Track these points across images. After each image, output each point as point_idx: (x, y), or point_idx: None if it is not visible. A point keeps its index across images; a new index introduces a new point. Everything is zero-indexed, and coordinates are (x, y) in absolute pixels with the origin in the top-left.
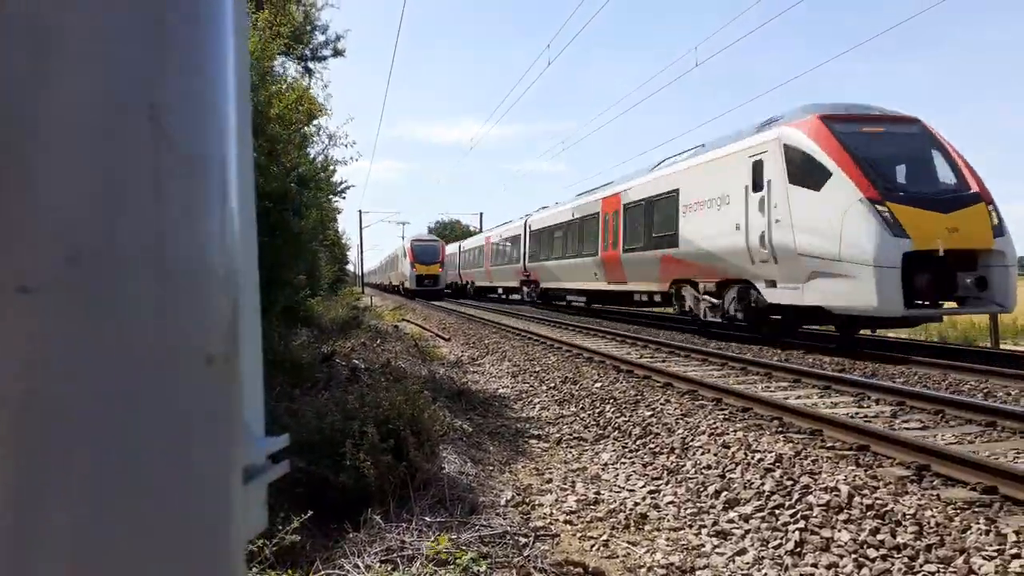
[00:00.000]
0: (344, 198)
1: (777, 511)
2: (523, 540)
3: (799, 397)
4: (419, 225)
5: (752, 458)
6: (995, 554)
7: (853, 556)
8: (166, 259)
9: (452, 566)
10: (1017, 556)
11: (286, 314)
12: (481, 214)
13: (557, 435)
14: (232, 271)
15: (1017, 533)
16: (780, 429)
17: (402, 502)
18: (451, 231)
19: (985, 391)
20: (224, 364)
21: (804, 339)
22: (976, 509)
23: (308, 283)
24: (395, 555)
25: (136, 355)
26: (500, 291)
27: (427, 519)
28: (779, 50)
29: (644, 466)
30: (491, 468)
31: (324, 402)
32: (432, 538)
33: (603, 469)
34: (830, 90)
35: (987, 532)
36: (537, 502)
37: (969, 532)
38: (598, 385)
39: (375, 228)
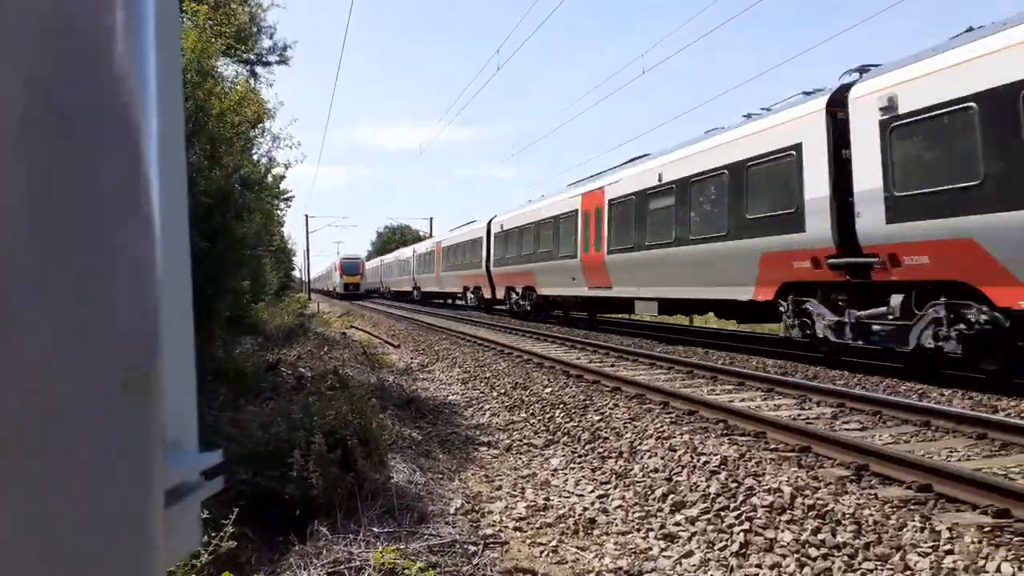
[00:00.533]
0: (289, 205)
1: (722, 513)
2: (472, 548)
3: (743, 400)
4: (368, 229)
5: (698, 461)
6: (929, 551)
7: (796, 556)
8: (71, 271)
9: None
10: (950, 552)
11: (230, 322)
12: (431, 219)
13: (507, 441)
14: (151, 282)
15: (950, 530)
16: (725, 432)
17: (350, 513)
18: (401, 236)
19: (920, 392)
20: (142, 385)
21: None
22: (912, 507)
23: (252, 289)
24: (342, 567)
25: (35, 382)
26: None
27: (375, 529)
28: (726, 57)
29: (593, 471)
30: (440, 476)
31: (269, 412)
32: (380, 549)
33: (553, 475)
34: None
35: (922, 529)
36: (487, 509)
37: (905, 530)
38: (548, 390)
39: (322, 233)
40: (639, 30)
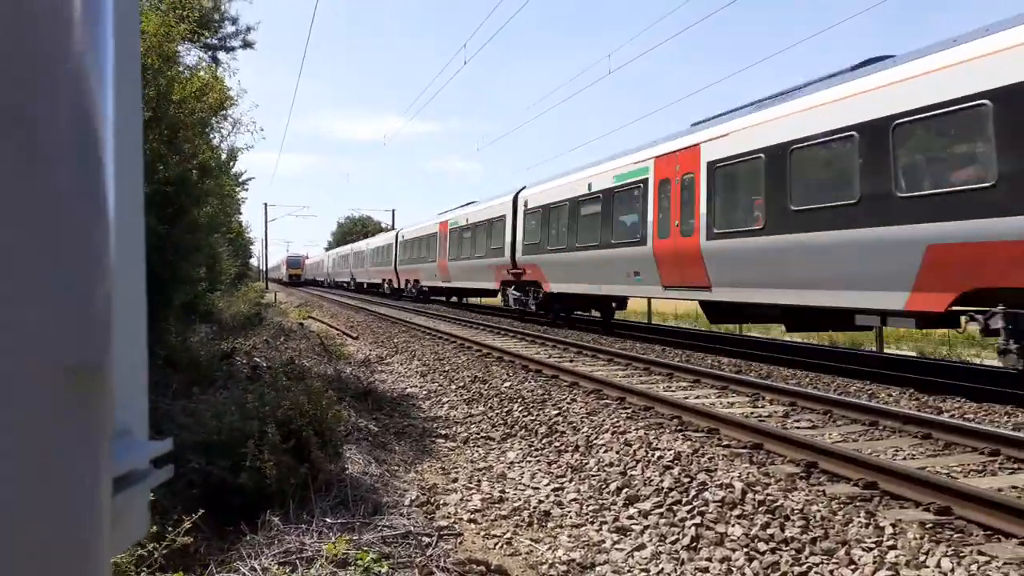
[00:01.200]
0: (247, 188)
1: (675, 507)
2: (426, 540)
3: (698, 397)
4: (328, 220)
5: (652, 456)
6: (873, 545)
7: (745, 550)
8: (20, 260)
9: (353, 567)
10: (893, 547)
11: (184, 309)
12: (393, 211)
13: (465, 434)
14: (103, 271)
15: (893, 525)
16: (680, 428)
17: (303, 503)
18: (362, 227)
19: (870, 392)
20: (91, 374)
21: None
22: (858, 503)
23: (208, 277)
24: (294, 557)
25: None
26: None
27: (328, 520)
28: (692, 59)
29: (549, 464)
30: (396, 468)
31: (223, 401)
32: (333, 539)
33: (509, 468)
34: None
35: (867, 525)
36: (442, 501)
37: (851, 525)
38: (507, 384)
39: (282, 223)
40: (607, 31)
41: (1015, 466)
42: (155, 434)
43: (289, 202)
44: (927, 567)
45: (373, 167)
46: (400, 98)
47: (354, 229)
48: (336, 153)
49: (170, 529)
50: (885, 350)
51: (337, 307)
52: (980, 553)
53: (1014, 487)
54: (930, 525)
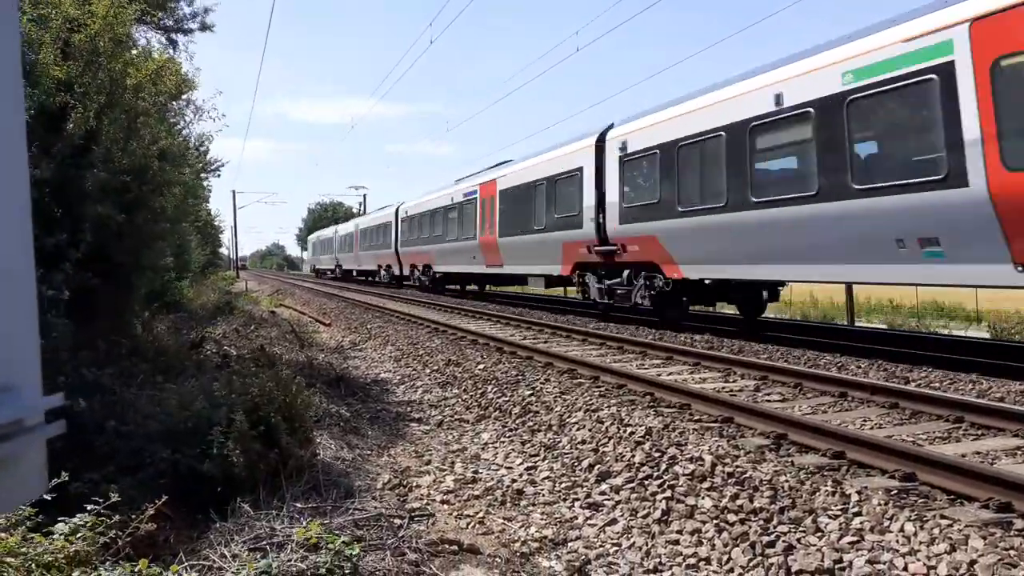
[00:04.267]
0: (219, 175)
1: (646, 482)
2: (398, 522)
3: (671, 374)
4: (298, 206)
5: (624, 432)
6: (839, 513)
7: (715, 521)
8: None
9: (324, 551)
10: (858, 514)
11: (150, 298)
12: (364, 195)
13: (439, 417)
14: None
15: (859, 493)
16: (652, 404)
17: (274, 490)
18: (333, 212)
19: (840, 365)
20: None
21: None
22: (826, 472)
23: (176, 266)
24: (264, 543)
25: None
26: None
27: (299, 505)
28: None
29: (523, 444)
30: (369, 453)
31: (190, 389)
32: (304, 524)
33: (483, 449)
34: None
35: (833, 493)
36: (415, 484)
37: (818, 494)
38: (481, 367)
39: (252, 210)
40: (574, 9)
41: (979, 432)
42: (90, 413)
43: (257, 189)
44: (891, 532)
45: (342, 151)
46: (368, 80)
47: (324, 215)
48: (304, 138)
49: (132, 517)
50: (857, 323)
51: (310, 295)
52: (943, 517)
53: (977, 452)
54: (895, 491)
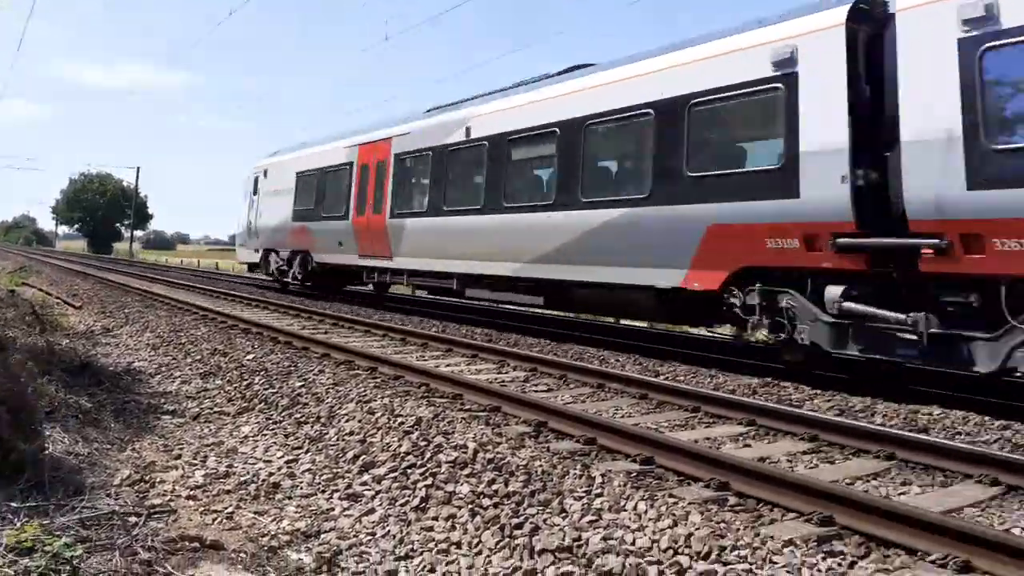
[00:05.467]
0: None
1: (409, 471)
2: (134, 520)
3: (449, 365)
4: (59, 175)
5: (394, 422)
6: (584, 495)
7: (470, 506)
8: None
9: (39, 553)
10: (600, 495)
11: None
12: (138, 168)
13: (196, 410)
14: None
15: (603, 476)
16: (426, 394)
17: None
18: (100, 185)
19: (602, 358)
20: None
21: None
22: (577, 457)
23: None
24: None
25: None
26: None
27: (14, 504)
28: None
29: (286, 436)
30: (109, 447)
31: None
32: (18, 525)
33: (242, 442)
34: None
35: (581, 476)
36: (159, 479)
37: (567, 477)
38: (250, 357)
39: (3, 175)
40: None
41: (711, 420)
42: None
43: (11, 152)
44: (625, 511)
45: (121, 121)
46: (156, 47)
47: (88, 187)
48: (74, 101)
49: None
50: (621, 321)
51: (61, 273)
52: (671, 496)
53: (707, 438)
54: (635, 474)
